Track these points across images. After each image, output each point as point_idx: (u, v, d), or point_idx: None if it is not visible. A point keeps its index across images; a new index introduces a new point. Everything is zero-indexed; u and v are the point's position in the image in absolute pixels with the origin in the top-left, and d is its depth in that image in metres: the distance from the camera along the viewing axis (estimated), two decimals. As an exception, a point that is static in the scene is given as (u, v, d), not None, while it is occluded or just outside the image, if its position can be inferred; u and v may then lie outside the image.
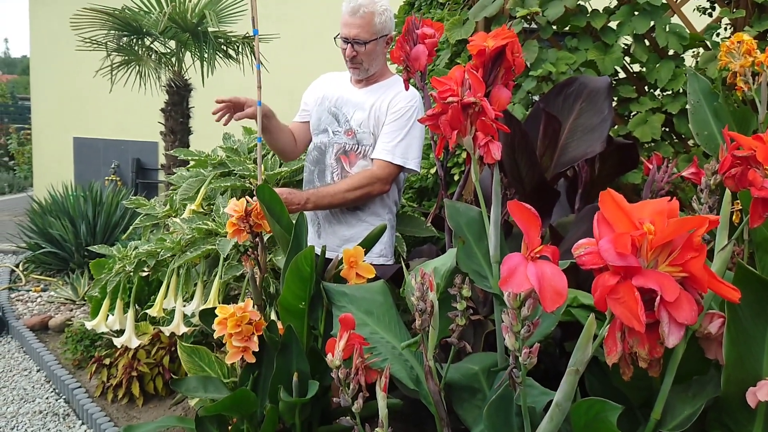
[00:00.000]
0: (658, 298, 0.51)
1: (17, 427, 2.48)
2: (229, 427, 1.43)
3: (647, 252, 0.53)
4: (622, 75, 2.36)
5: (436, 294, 0.83)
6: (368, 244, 1.44)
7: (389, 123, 1.76)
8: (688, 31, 2.21)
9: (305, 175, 1.94)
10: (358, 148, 1.81)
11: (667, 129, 2.31)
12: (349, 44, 1.74)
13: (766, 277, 0.90)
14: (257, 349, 1.30)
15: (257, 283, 1.49)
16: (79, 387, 2.64)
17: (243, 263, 1.57)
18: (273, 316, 1.84)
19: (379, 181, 1.75)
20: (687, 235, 0.52)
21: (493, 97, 1.13)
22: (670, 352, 0.96)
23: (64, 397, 2.71)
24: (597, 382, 1.14)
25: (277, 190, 1.56)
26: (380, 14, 1.74)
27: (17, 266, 4.65)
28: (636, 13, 2.22)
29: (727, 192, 0.88)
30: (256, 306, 1.44)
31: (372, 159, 1.79)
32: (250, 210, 1.39)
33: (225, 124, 1.84)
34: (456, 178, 2.56)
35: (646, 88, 2.34)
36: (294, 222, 1.40)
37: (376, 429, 0.79)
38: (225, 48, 3.91)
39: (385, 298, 1.19)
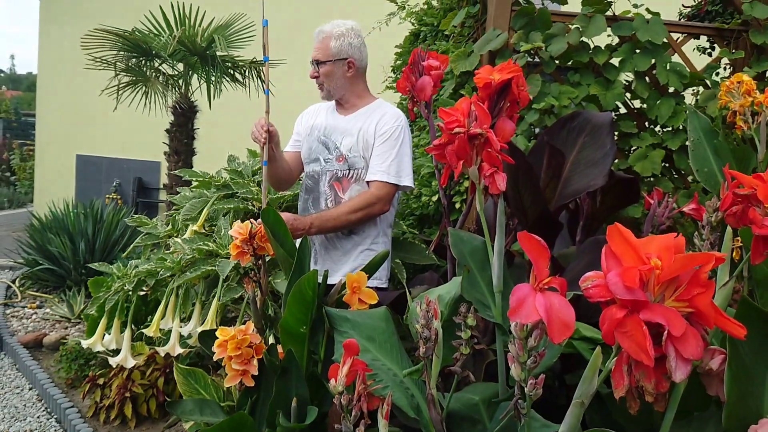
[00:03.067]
0: (665, 332, 0.52)
1: (6, 446, 2.44)
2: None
3: (654, 287, 0.54)
4: (623, 110, 2.41)
5: (440, 321, 0.83)
6: (371, 270, 1.45)
7: (379, 145, 1.81)
8: (689, 70, 2.27)
9: (300, 204, 1.97)
10: (350, 173, 1.85)
11: (667, 164, 2.35)
12: (313, 66, 1.88)
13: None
14: (256, 373, 1.29)
15: (258, 306, 1.49)
16: (72, 407, 2.60)
17: (244, 285, 1.57)
18: (271, 340, 1.83)
19: (380, 201, 1.79)
20: (693, 270, 0.53)
21: (497, 128, 1.15)
22: (672, 387, 0.96)
23: (55, 416, 2.67)
24: (597, 417, 1.14)
25: (282, 214, 1.57)
26: (336, 38, 1.83)
27: (14, 282, 4.62)
28: (637, 50, 2.28)
29: (729, 229, 0.90)
30: (256, 329, 1.44)
31: (368, 182, 1.83)
32: (255, 233, 1.40)
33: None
34: (458, 206, 2.58)
35: (646, 123, 2.39)
36: (297, 245, 1.41)
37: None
38: (232, 72, 3.97)
39: (387, 324, 1.19)
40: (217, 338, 1.30)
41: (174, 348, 2.04)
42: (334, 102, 1.96)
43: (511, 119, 1.18)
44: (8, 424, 2.61)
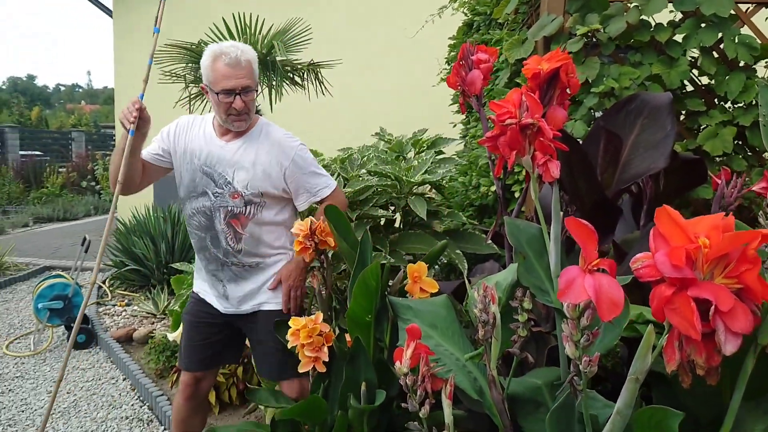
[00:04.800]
0: (713, 308, 0.53)
1: (107, 430, 2.68)
2: (301, 435, 1.51)
3: (703, 264, 0.56)
4: (690, 88, 2.31)
5: (498, 306, 0.87)
6: (431, 260, 1.50)
7: (309, 174, 1.76)
8: (759, 42, 2.15)
9: (195, 243, 1.83)
10: (247, 210, 1.72)
11: (740, 142, 2.23)
12: (237, 96, 1.66)
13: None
14: (327, 359, 1.38)
15: (324, 298, 1.58)
16: (162, 395, 2.82)
17: (310, 280, 1.66)
18: (338, 331, 1.92)
19: (343, 202, 1.85)
20: (741, 248, 0.54)
21: (549, 117, 1.17)
22: (739, 368, 0.95)
23: (147, 404, 2.91)
24: (666, 401, 1.13)
25: (277, 277, 1.75)
26: (255, 61, 1.73)
27: (104, 282, 5.02)
28: (702, 25, 2.18)
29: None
30: (324, 320, 1.53)
31: (319, 202, 1.78)
32: (315, 228, 1.48)
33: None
34: (516, 195, 2.58)
35: (716, 100, 2.28)
36: (359, 239, 1.48)
37: (444, 432, 0.84)
38: (291, 75, 4.11)
39: (448, 311, 1.24)
40: (290, 327, 1.40)
41: (250, 339, 2.18)
42: (204, 123, 1.81)
43: (563, 107, 1.19)
44: (106, 411, 2.87)
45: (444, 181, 2.96)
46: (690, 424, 1.07)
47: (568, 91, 1.14)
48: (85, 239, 4.24)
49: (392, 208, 2.54)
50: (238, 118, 1.70)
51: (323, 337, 1.38)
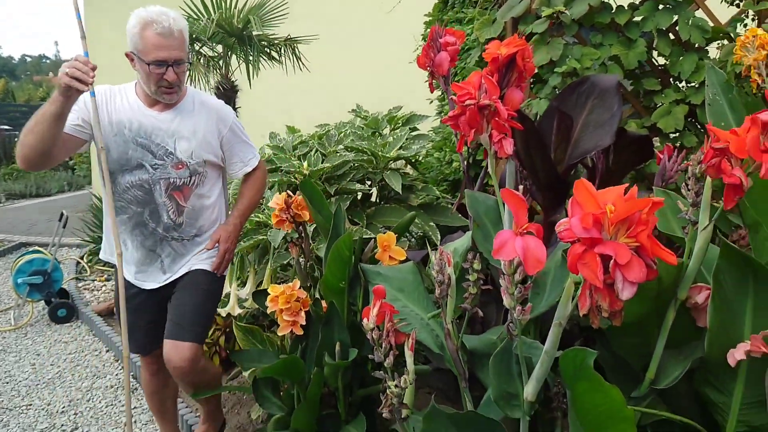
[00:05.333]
0: (612, 261, 0.66)
1: (92, 398, 2.78)
2: (281, 393, 1.63)
3: (609, 227, 0.68)
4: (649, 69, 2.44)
5: (453, 269, 0.99)
6: (401, 230, 1.62)
7: (243, 143, 1.81)
8: (711, 24, 2.27)
9: (128, 219, 1.72)
10: (191, 180, 1.71)
11: (692, 119, 2.38)
12: (170, 67, 1.60)
13: (746, 253, 1.03)
14: (304, 323, 1.50)
15: (302, 267, 1.69)
16: (145, 364, 2.93)
17: (290, 251, 1.77)
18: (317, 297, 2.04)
19: (265, 172, 1.93)
20: (639, 213, 0.67)
21: (507, 98, 1.28)
22: (661, 320, 1.10)
23: (132, 373, 3.01)
24: (606, 353, 1.28)
25: (214, 236, 1.75)
26: (187, 30, 1.68)
27: (82, 258, 5.05)
28: (660, 7, 2.29)
29: (708, 179, 1.01)
30: (302, 287, 1.64)
31: (248, 171, 1.83)
32: (291, 202, 1.59)
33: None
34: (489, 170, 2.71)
35: (671, 80, 2.41)
36: (333, 212, 1.59)
37: (404, 377, 0.97)
38: (268, 50, 4.14)
39: (414, 276, 1.36)
40: (270, 295, 1.51)
41: (234, 308, 2.29)
42: (125, 93, 1.72)
43: (520, 89, 1.30)
44: (91, 381, 2.97)
45: (419, 157, 3.07)
46: (625, 371, 1.23)
47: (524, 74, 1.24)
48: (62, 215, 4.26)
49: (369, 182, 2.65)
50: (169, 91, 1.64)
51: (300, 302, 1.49)
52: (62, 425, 2.54)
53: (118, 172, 1.68)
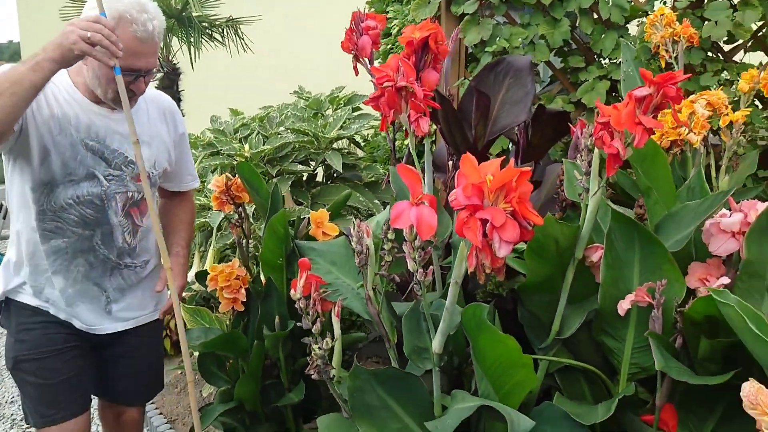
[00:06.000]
0: (489, 224, 0.75)
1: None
2: (227, 368, 1.70)
3: (489, 195, 0.78)
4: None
5: (371, 239, 1.08)
6: (336, 208, 1.70)
7: (188, 149, 1.56)
8: (630, 3, 2.41)
9: (68, 246, 1.36)
10: (152, 193, 1.43)
11: (615, 94, 2.53)
12: (141, 77, 1.32)
13: (631, 217, 1.15)
14: (245, 300, 1.56)
15: (243, 246, 1.75)
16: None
17: (231, 232, 1.82)
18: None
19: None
20: (511, 181, 0.76)
21: (423, 79, 1.37)
22: (559, 278, 1.22)
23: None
24: (524, 311, 1.40)
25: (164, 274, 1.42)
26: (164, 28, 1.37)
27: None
28: (582, -13, 2.41)
29: (596, 150, 1.13)
30: (243, 266, 1.71)
31: (184, 192, 1.60)
32: (230, 184, 1.64)
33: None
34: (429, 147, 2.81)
35: (596, 57, 2.55)
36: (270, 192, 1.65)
37: (326, 339, 1.05)
38: (210, 32, 4.09)
39: (346, 250, 1.44)
40: (209, 274, 1.56)
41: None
42: (61, 84, 1.33)
43: (436, 70, 1.39)
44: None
45: (369, 137, 3.14)
46: (538, 326, 1.35)
47: (438, 57, 1.33)
48: (1, 206, 4.15)
49: (312, 163, 2.71)
50: (120, 101, 1.28)
51: (240, 280, 1.56)
52: (12, 414, 2.54)
53: (58, 184, 1.32)
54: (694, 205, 1.23)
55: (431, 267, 0.94)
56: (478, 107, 1.51)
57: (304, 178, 2.75)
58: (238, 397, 1.49)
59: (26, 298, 1.39)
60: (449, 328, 0.95)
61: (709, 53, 2.34)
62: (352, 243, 1.04)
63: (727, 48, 2.42)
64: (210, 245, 2.27)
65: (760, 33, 2.34)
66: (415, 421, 1.09)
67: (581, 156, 1.20)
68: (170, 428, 2.28)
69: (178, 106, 4.51)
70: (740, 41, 2.33)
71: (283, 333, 1.44)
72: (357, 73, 1.62)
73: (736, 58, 2.43)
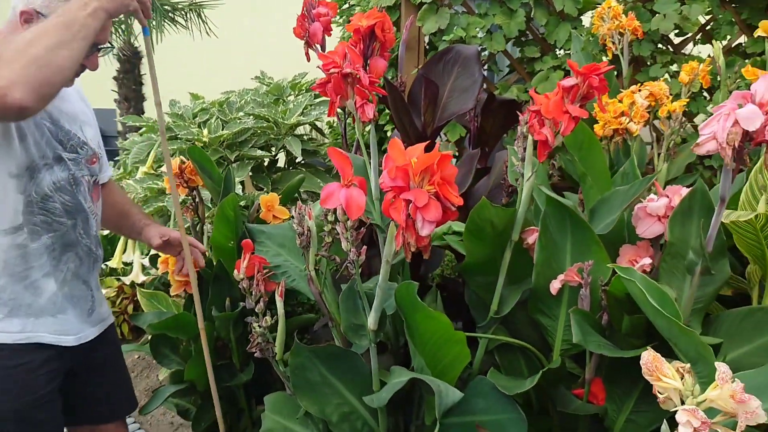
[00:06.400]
0: (412, 204, 0.79)
1: None
2: (180, 350, 1.72)
3: (414, 177, 0.82)
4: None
5: (313, 221, 1.11)
6: (290, 192, 1.72)
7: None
8: (584, -4, 2.48)
9: (58, 239, 1.23)
10: (98, 179, 1.35)
11: (569, 84, 2.59)
12: (97, 51, 1.23)
13: (564, 201, 1.21)
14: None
15: (198, 229, 1.76)
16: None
17: (185, 216, 1.83)
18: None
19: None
20: (434, 165, 0.81)
21: (371, 67, 1.40)
22: (498, 259, 1.28)
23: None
24: (470, 292, 1.45)
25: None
26: None
27: None
28: (537, -21, 2.47)
29: (530, 137, 1.18)
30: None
31: (109, 183, 1.44)
32: (184, 167, 1.64)
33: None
34: (388, 134, 2.84)
35: (552, 48, 2.62)
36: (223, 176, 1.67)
37: (266, 317, 1.09)
38: (172, 15, 4.02)
39: (294, 233, 1.47)
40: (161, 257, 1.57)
41: (137, 276, 2.32)
42: None
43: (384, 58, 1.42)
44: None
45: (329, 123, 3.15)
46: (482, 306, 1.40)
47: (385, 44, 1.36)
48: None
49: (273, 149, 2.72)
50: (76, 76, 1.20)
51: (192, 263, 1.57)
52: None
53: (39, 169, 1.19)
54: (623, 190, 1.30)
55: (364, 247, 0.98)
56: (427, 95, 1.55)
57: (266, 163, 2.75)
58: (189, 378, 1.51)
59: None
60: (382, 305, 1.00)
61: (660, 45, 2.43)
62: (293, 224, 1.07)
63: (677, 40, 2.51)
64: (167, 230, 2.27)
65: (708, 27, 2.43)
66: (355, 396, 1.13)
67: (518, 142, 1.25)
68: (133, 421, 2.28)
69: (139, 90, 4.44)
70: (689, 34, 2.43)
71: (232, 314, 1.46)
72: (309, 59, 1.64)
73: (687, 50, 2.53)
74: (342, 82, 1.31)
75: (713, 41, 2.08)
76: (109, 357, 1.40)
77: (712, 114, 1.00)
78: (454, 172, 0.84)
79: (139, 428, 2.18)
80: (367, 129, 1.62)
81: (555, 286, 1.20)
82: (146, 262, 2.33)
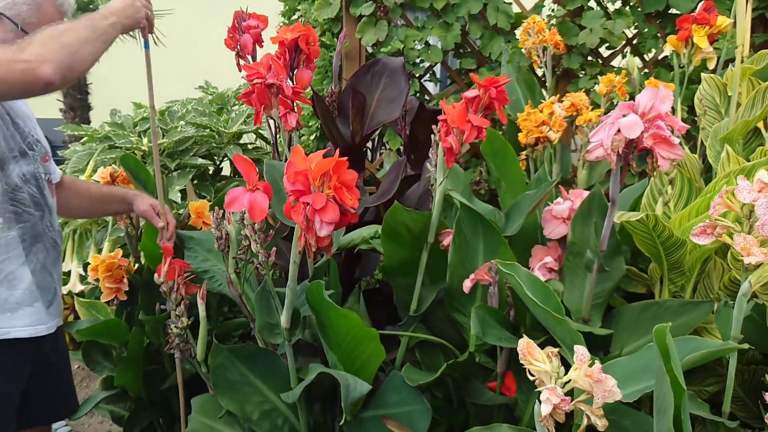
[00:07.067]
0: (310, 207, 0.85)
1: None
2: (113, 357, 1.72)
3: (314, 181, 0.87)
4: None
5: (232, 225, 1.15)
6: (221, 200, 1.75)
7: None
8: (517, 10, 2.61)
9: (28, 229, 1.27)
10: (51, 177, 1.39)
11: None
12: None
13: (475, 209, 1.29)
14: (128, 289, 1.59)
15: (131, 237, 1.77)
16: None
17: (118, 223, 1.84)
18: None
19: None
20: (330, 170, 0.87)
21: (297, 77, 1.46)
22: (417, 261, 1.35)
23: None
24: (396, 294, 1.51)
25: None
26: None
27: None
28: (472, -6, 2.58)
29: (441, 146, 1.26)
30: (133, 256, 1.73)
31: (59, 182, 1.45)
32: (116, 176, 1.66)
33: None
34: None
35: (487, 60, 2.74)
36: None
37: (182, 318, 1.12)
38: (119, 24, 3.99)
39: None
40: (90, 264, 1.58)
41: (75, 285, 2.29)
42: None
43: (310, 69, 1.48)
44: None
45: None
46: (404, 306, 1.47)
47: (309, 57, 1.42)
48: None
49: (216, 158, 2.73)
50: None
51: (123, 270, 1.58)
52: None
53: (8, 161, 1.24)
54: (531, 194, 1.39)
55: (274, 248, 1.03)
56: (354, 104, 1.61)
57: (210, 172, 2.76)
58: (119, 384, 1.52)
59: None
60: (292, 305, 1.05)
61: (589, 57, 2.57)
62: (212, 229, 1.11)
63: (607, 53, 2.66)
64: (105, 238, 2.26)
65: (635, 41, 2.59)
66: (275, 394, 1.17)
67: (432, 150, 1.33)
68: (65, 424, 2.25)
69: (85, 99, 4.37)
70: (618, 47, 2.57)
71: (161, 317, 1.48)
72: (240, 70, 1.68)
73: (615, 62, 2.68)
74: (266, 92, 1.36)
75: (629, 54, 2.22)
76: (63, 358, 1.44)
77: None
78: (352, 177, 0.90)
79: (75, 438, 2.15)
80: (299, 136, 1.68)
81: (467, 284, 1.27)
82: (83, 271, 2.31)
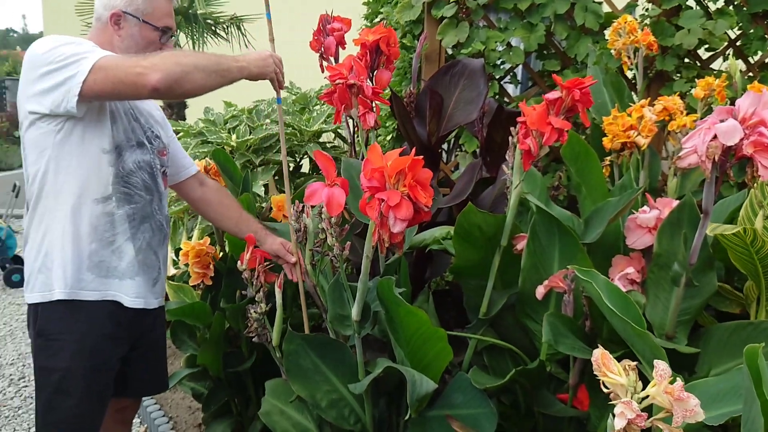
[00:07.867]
0: (385, 203, 0.87)
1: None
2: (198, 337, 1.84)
3: (389, 179, 0.89)
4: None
5: (310, 218, 1.20)
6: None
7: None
8: (607, 10, 2.50)
9: (135, 211, 1.37)
10: (166, 169, 1.50)
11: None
12: (172, 37, 1.46)
13: (552, 213, 1.26)
14: (213, 275, 1.70)
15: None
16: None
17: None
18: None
19: None
20: (405, 168, 0.88)
21: (377, 78, 1.49)
22: (489, 263, 1.33)
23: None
24: (467, 296, 1.51)
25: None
26: None
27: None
28: (559, -6, 2.51)
29: (518, 148, 1.24)
30: (218, 244, 1.84)
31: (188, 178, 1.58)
32: (209, 168, 1.77)
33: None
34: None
35: (573, 61, 2.64)
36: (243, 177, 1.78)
37: (262, 304, 1.18)
38: (214, 28, 4.24)
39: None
40: (182, 250, 1.70)
41: (168, 269, 2.47)
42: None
43: (389, 70, 1.51)
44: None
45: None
46: (474, 308, 1.46)
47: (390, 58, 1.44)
48: (15, 185, 4.35)
49: (296, 155, 2.84)
50: None
51: (210, 256, 1.69)
52: (11, 375, 2.74)
53: (125, 148, 1.36)
54: (614, 201, 1.33)
55: (348, 243, 1.06)
56: (431, 105, 1.62)
57: (291, 168, 2.88)
58: (201, 362, 1.63)
59: (90, 294, 1.31)
60: (363, 298, 1.07)
61: (686, 59, 2.42)
62: (291, 221, 1.16)
63: (706, 56, 2.49)
64: (196, 225, 2.42)
65: (739, 42, 2.41)
66: (343, 384, 1.21)
67: (509, 152, 1.31)
68: (154, 403, 2.43)
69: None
70: (719, 49, 2.41)
71: (242, 303, 1.57)
72: (323, 71, 1.74)
73: (715, 65, 2.51)
74: (346, 92, 1.41)
75: (731, 57, 2.07)
76: (161, 336, 1.53)
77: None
78: (427, 176, 0.91)
79: (160, 409, 2.32)
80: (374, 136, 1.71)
81: (540, 291, 1.25)
82: (175, 256, 2.48)
